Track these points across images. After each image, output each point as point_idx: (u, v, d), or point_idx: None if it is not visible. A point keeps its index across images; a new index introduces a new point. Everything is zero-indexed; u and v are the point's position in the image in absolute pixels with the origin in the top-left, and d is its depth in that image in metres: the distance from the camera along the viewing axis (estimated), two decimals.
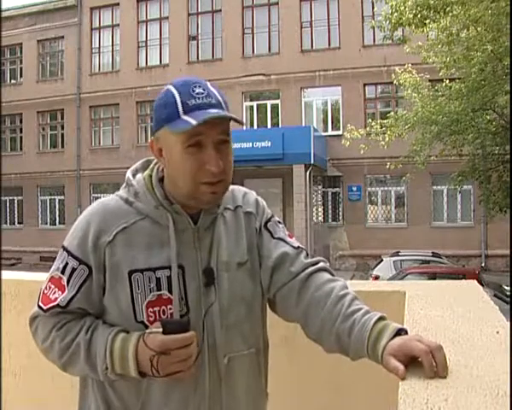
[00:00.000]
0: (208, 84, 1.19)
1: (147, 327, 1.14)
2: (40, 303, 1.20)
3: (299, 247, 1.32)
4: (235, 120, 1.17)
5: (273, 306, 1.32)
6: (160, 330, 1.09)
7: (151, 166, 1.28)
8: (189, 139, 1.13)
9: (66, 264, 1.18)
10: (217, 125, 1.14)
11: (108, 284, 1.17)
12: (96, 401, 1.21)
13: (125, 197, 1.22)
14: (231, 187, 1.32)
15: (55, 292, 1.18)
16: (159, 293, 1.16)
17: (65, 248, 1.21)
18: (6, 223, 23.88)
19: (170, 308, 1.15)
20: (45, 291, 1.20)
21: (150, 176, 1.24)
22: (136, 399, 1.17)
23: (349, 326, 1.13)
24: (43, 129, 24.44)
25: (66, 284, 1.18)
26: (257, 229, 1.31)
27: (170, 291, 1.16)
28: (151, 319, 1.15)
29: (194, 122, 1.09)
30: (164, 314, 1.15)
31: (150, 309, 1.15)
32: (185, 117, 1.12)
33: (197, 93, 1.14)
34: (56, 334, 1.18)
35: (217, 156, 1.13)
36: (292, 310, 1.25)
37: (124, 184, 1.26)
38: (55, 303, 1.17)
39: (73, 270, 1.17)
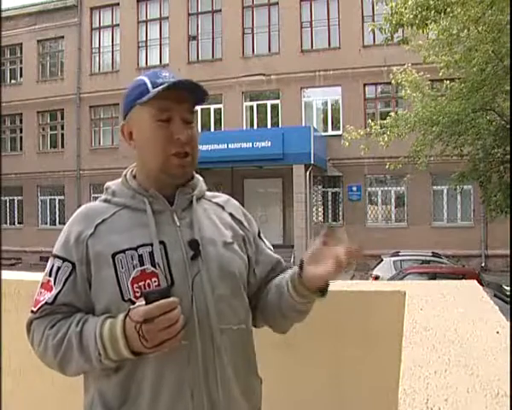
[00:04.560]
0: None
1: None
2: (32, 308, 1.25)
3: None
4: (201, 89, 1.26)
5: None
6: (143, 302, 1.10)
7: (125, 171, 1.35)
8: (159, 114, 1.22)
9: (52, 266, 1.24)
10: (185, 101, 1.24)
11: (94, 271, 1.20)
12: (95, 390, 1.22)
13: (104, 198, 1.31)
14: (216, 193, 1.42)
15: (44, 294, 1.23)
16: (142, 268, 1.18)
17: (52, 254, 1.26)
18: (6, 223, 23.87)
19: (154, 281, 1.18)
20: (37, 297, 1.25)
21: (125, 176, 1.33)
22: (128, 383, 1.17)
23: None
24: (43, 129, 24.43)
25: (53, 283, 1.22)
26: (246, 237, 1.36)
27: (153, 264, 1.18)
28: (138, 294, 1.16)
29: (158, 89, 1.20)
30: (149, 288, 1.17)
31: (136, 285, 1.17)
32: (153, 90, 1.22)
33: (164, 75, 1.26)
34: (49, 333, 1.20)
35: (184, 127, 1.23)
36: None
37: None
38: (44, 302, 1.21)
39: (58, 269, 1.22)
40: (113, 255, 1.19)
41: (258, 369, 1.36)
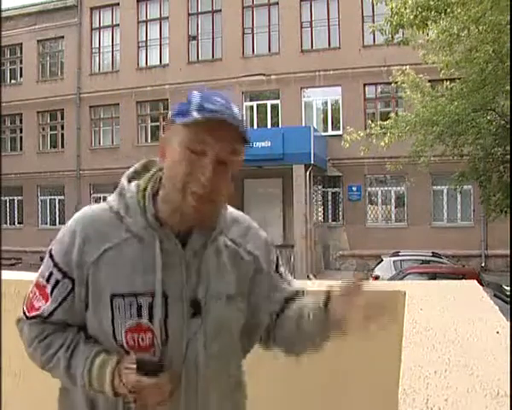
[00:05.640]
0: (235, 106, 1.14)
1: (126, 350, 1.15)
2: (25, 308, 1.23)
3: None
4: (243, 137, 1.12)
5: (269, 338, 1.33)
6: (135, 366, 1.11)
7: (148, 175, 1.22)
8: (193, 143, 1.09)
9: (51, 273, 1.19)
10: (226, 140, 1.10)
11: (91, 302, 1.17)
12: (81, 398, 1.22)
13: (116, 210, 1.18)
14: (237, 214, 1.30)
15: (39, 300, 1.20)
16: (138, 321, 1.14)
17: (51, 256, 1.20)
18: (6, 223, 23.84)
19: (149, 337, 1.14)
20: (30, 295, 1.23)
21: (144, 189, 1.19)
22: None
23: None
24: (43, 129, 24.41)
25: (49, 293, 1.19)
26: (259, 270, 1.29)
27: (150, 319, 1.14)
28: (130, 344, 1.15)
29: (197, 115, 1.07)
30: (143, 341, 1.14)
31: (129, 335, 1.14)
32: (194, 113, 1.08)
33: (214, 100, 1.11)
34: (39, 345, 1.20)
35: (213, 172, 1.08)
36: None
37: (117, 190, 1.22)
38: (38, 313, 1.20)
39: (57, 282, 1.18)
40: (112, 296, 1.14)
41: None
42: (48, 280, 1.19)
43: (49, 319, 1.19)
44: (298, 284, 1.37)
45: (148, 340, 1.14)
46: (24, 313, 1.23)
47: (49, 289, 1.19)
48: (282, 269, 1.35)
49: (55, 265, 1.18)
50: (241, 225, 1.29)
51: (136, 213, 1.17)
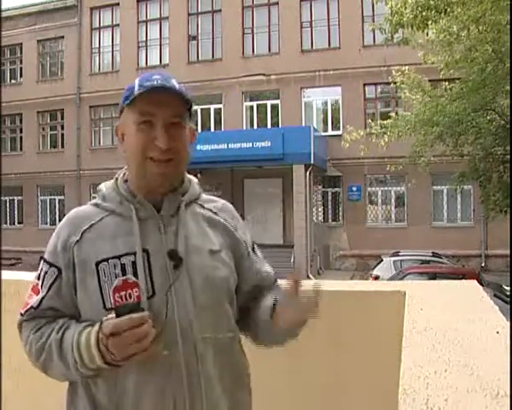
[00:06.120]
0: (173, 78, 1.25)
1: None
2: (21, 310, 1.27)
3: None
4: (182, 97, 1.22)
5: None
6: (114, 315, 1.11)
7: (119, 172, 1.35)
8: (140, 117, 1.20)
9: (41, 269, 1.26)
10: (168, 106, 1.21)
11: (79, 279, 1.21)
12: (82, 402, 1.22)
13: (95, 202, 1.31)
14: (212, 196, 1.39)
15: (32, 297, 1.26)
16: (124, 278, 1.18)
17: (42, 258, 1.28)
18: (6, 223, 23.86)
19: (136, 291, 1.17)
20: (27, 299, 1.28)
21: (116, 179, 1.32)
22: (113, 393, 1.18)
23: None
24: (43, 129, 24.42)
25: (40, 287, 1.24)
26: (238, 241, 1.34)
27: (135, 275, 1.18)
28: (118, 304, 1.17)
29: (137, 92, 1.19)
30: (130, 298, 1.17)
31: (117, 294, 1.18)
32: (135, 92, 1.21)
33: (154, 78, 1.23)
34: (33, 337, 1.22)
35: (165, 135, 1.19)
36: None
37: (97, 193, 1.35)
38: (30, 306, 1.24)
39: (45, 273, 1.24)
40: (97, 264, 1.19)
41: (250, 380, 1.34)
42: (38, 277, 1.26)
43: (40, 309, 1.23)
44: (271, 270, 1.43)
45: (136, 294, 1.17)
46: (20, 314, 1.27)
47: (39, 285, 1.25)
48: (259, 253, 1.41)
49: (44, 261, 1.27)
50: (217, 203, 1.38)
51: (111, 196, 1.28)
